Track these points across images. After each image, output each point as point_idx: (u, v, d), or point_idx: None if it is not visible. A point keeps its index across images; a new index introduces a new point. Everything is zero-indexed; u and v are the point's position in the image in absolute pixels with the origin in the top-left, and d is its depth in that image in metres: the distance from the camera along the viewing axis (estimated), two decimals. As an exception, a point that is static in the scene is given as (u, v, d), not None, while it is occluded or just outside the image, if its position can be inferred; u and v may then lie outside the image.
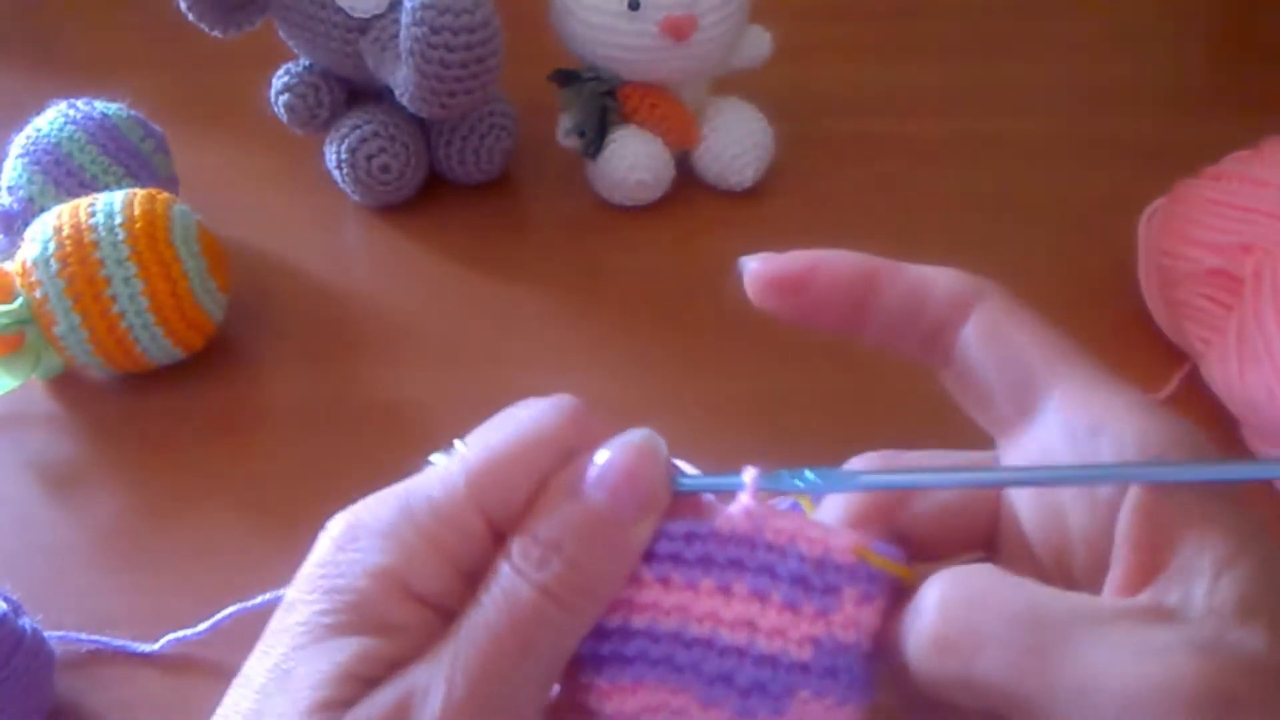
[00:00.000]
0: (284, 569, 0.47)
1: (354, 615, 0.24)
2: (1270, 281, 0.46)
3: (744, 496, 0.27)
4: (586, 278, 0.60)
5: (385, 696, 0.23)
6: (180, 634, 0.43)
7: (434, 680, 0.23)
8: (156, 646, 0.42)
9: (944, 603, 0.23)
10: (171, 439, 0.51)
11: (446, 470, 0.26)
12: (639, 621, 0.26)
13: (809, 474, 0.27)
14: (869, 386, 0.52)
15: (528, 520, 0.25)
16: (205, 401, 0.53)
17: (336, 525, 0.26)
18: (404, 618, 0.24)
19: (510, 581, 0.25)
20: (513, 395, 0.56)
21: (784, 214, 0.64)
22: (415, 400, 0.53)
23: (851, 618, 0.26)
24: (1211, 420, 0.50)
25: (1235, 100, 0.74)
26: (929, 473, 0.28)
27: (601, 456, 0.26)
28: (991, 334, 0.27)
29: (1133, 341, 0.55)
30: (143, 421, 0.52)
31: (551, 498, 0.26)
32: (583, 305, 0.58)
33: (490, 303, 0.58)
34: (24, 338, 0.50)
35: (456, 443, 0.28)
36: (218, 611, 0.43)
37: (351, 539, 0.25)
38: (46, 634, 0.40)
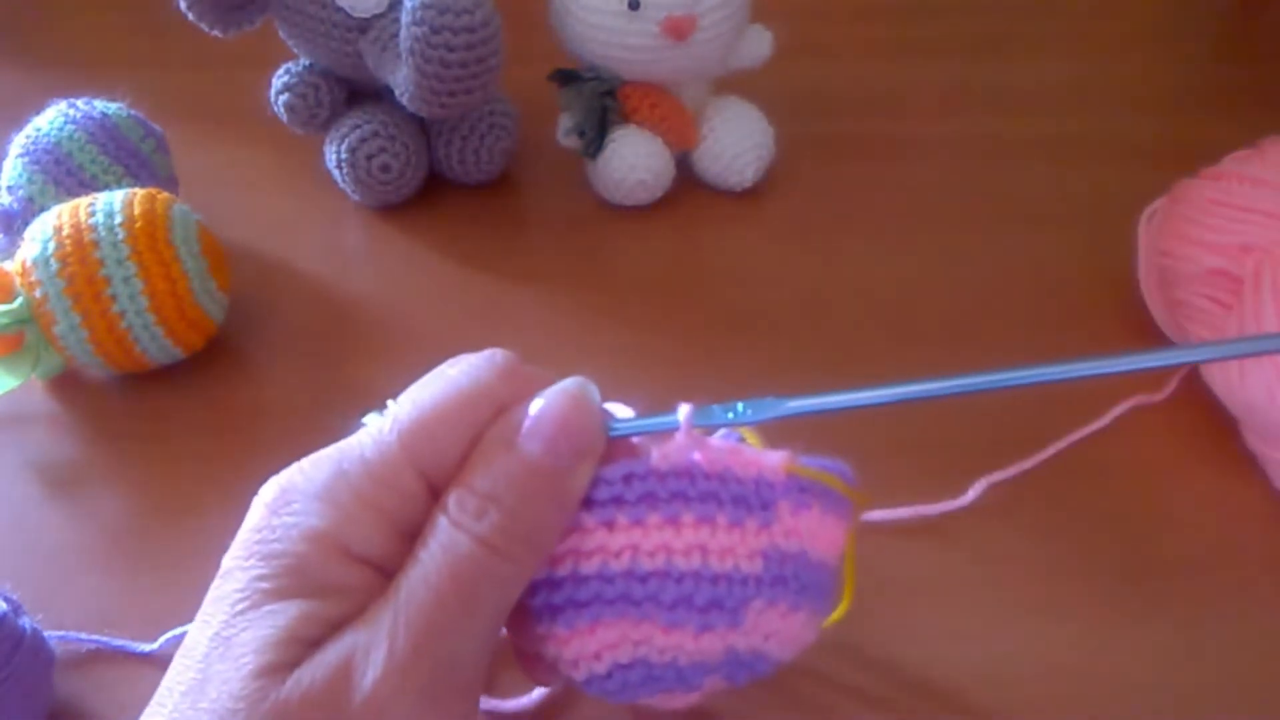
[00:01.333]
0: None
1: (293, 579, 0.24)
2: (1270, 281, 0.46)
3: (680, 434, 0.27)
4: (586, 277, 0.60)
5: (328, 657, 0.23)
6: (180, 631, 0.43)
7: (375, 638, 0.23)
8: (156, 646, 0.42)
9: None
10: (171, 439, 0.51)
11: (379, 430, 0.26)
12: (588, 567, 0.26)
13: (740, 406, 0.28)
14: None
15: (463, 473, 0.25)
16: (205, 401, 0.53)
17: (269, 490, 0.26)
18: (344, 579, 0.24)
19: (448, 535, 0.24)
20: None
21: (784, 214, 0.65)
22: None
23: (790, 527, 0.27)
24: (1211, 421, 0.50)
25: (1235, 100, 0.74)
26: (857, 392, 0.28)
27: (535, 406, 0.25)
28: None
29: (1133, 342, 0.55)
30: (143, 421, 0.52)
31: (486, 450, 0.25)
32: (582, 305, 0.58)
33: (490, 302, 0.58)
34: (24, 337, 0.50)
35: (390, 402, 0.28)
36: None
37: (285, 503, 0.25)
38: (46, 634, 0.40)
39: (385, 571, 0.25)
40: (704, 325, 0.57)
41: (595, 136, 0.61)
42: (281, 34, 0.62)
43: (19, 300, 0.50)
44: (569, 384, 0.26)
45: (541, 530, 0.25)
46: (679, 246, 0.63)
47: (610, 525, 0.27)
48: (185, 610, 0.44)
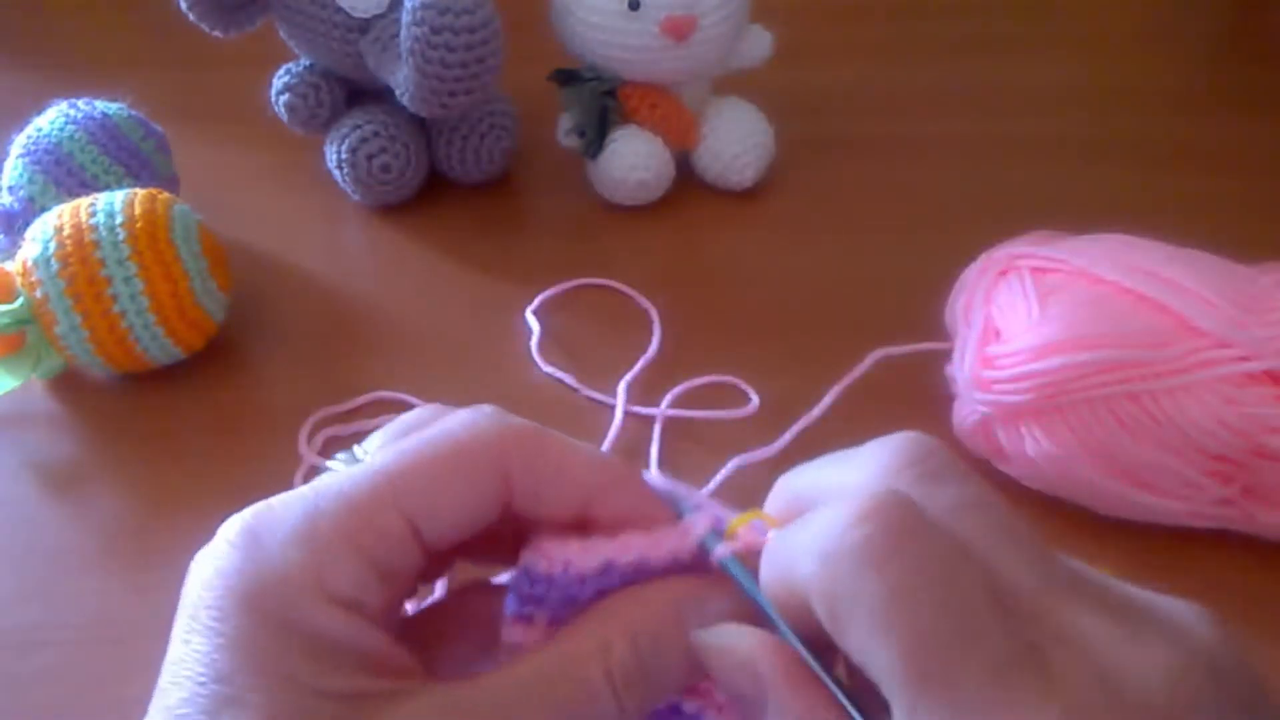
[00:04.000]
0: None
1: (289, 633, 0.22)
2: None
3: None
4: (586, 278, 0.59)
5: None
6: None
7: None
8: None
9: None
10: (172, 439, 0.51)
11: (360, 470, 0.24)
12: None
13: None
14: (868, 388, 0.52)
15: (638, 630, 0.24)
16: (205, 401, 0.53)
17: (232, 527, 0.24)
18: (325, 624, 0.22)
19: (595, 688, 0.23)
20: (512, 394, 0.56)
21: (784, 214, 0.65)
22: (415, 400, 0.53)
23: None
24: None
25: (1235, 100, 0.74)
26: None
27: (740, 639, 0.24)
28: (834, 633, 0.21)
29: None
30: (143, 421, 0.52)
31: (665, 630, 0.24)
32: (582, 305, 0.58)
33: (490, 302, 0.58)
34: (24, 337, 0.50)
35: (356, 448, 0.27)
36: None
37: (253, 541, 0.23)
38: None
39: (364, 612, 0.23)
40: (704, 324, 0.57)
41: (595, 136, 0.62)
42: (282, 34, 0.63)
43: (20, 300, 0.50)
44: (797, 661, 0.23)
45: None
46: (679, 246, 0.63)
47: None
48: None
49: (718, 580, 0.25)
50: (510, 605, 0.25)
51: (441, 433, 0.25)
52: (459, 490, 0.24)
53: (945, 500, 0.22)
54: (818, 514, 0.22)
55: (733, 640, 0.24)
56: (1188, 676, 0.20)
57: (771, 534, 0.24)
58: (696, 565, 0.26)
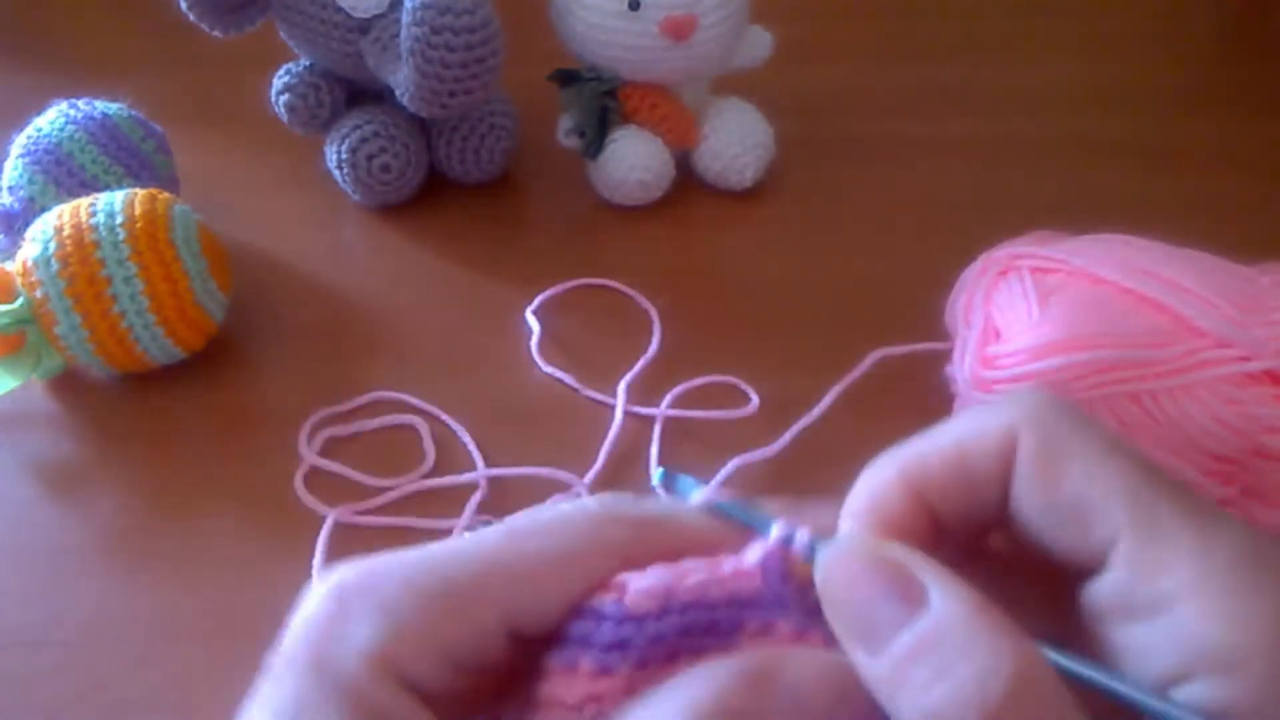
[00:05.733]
0: (284, 570, 0.47)
1: (343, 699, 0.22)
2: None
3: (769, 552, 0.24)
4: (586, 278, 0.59)
5: None
6: None
7: None
8: None
9: None
10: (171, 439, 0.51)
11: (473, 545, 0.24)
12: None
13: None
14: (868, 388, 0.52)
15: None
16: (205, 401, 0.53)
17: (333, 581, 0.24)
18: (390, 706, 0.22)
19: None
20: (512, 395, 0.56)
21: (784, 214, 0.65)
22: (415, 400, 0.53)
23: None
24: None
25: (1236, 100, 0.74)
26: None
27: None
28: (1041, 477, 0.22)
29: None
30: (143, 421, 0.52)
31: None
32: (582, 305, 0.58)
33: (490, 302, 0.58)
34: (24, 338, 0.50)
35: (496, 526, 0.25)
36: (218, 612, 0.43)
37: (344, 604, 0.23)
38: None
39: (429, 698, 0.23)
40: (704, 324, 0.57)
41: (595, 136, 0.62)
42: (282, 34, 0.63)
43: (20, 300, 0.50)
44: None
45: None
46: (679, 246, 0.63)
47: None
48: (184, 611, 0.45)
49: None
50: (565, 656, 0.23)
51: (563, 525, 0.24)
52: (569, 591, 0.23)
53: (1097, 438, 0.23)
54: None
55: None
56: None
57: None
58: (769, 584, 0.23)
